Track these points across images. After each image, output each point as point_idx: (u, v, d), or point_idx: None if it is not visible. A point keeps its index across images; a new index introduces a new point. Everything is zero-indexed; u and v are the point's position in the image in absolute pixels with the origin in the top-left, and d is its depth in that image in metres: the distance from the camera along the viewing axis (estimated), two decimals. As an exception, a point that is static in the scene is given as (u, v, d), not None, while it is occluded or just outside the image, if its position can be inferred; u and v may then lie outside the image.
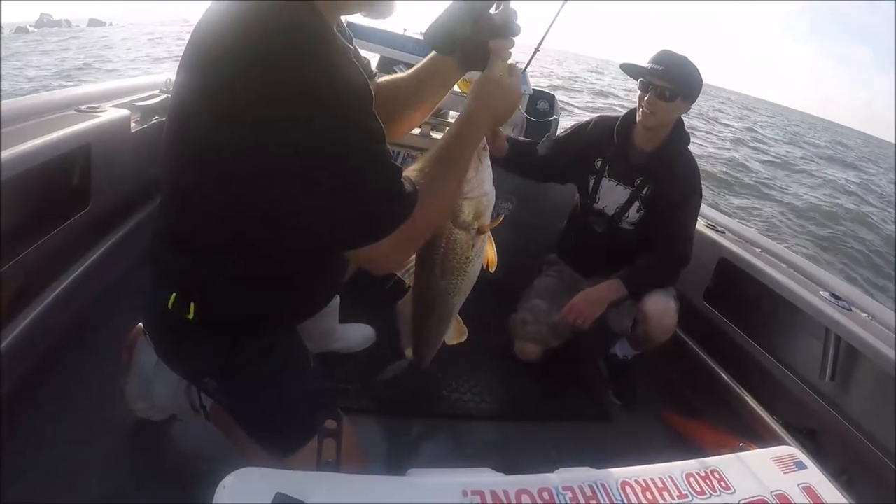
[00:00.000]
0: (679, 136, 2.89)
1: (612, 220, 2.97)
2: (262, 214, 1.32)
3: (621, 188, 2.94)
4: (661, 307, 2.79)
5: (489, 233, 1.70)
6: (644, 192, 2.90)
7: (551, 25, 2.71)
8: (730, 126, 36.83)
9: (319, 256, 1.52)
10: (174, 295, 1.48)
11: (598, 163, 3.00)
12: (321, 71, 1.17)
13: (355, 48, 1.50)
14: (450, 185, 1.48)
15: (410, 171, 1.40)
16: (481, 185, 1.59)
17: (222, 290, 1.48)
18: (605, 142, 3.00)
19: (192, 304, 1.46)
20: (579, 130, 3.13)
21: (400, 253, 1.42)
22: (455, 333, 1.99)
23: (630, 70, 2.82)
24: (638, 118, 2.82)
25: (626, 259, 3.00)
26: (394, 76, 1.83)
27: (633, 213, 2.95)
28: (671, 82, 2.67)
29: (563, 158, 3.07)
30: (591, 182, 3.03)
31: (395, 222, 1.29)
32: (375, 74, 1.80)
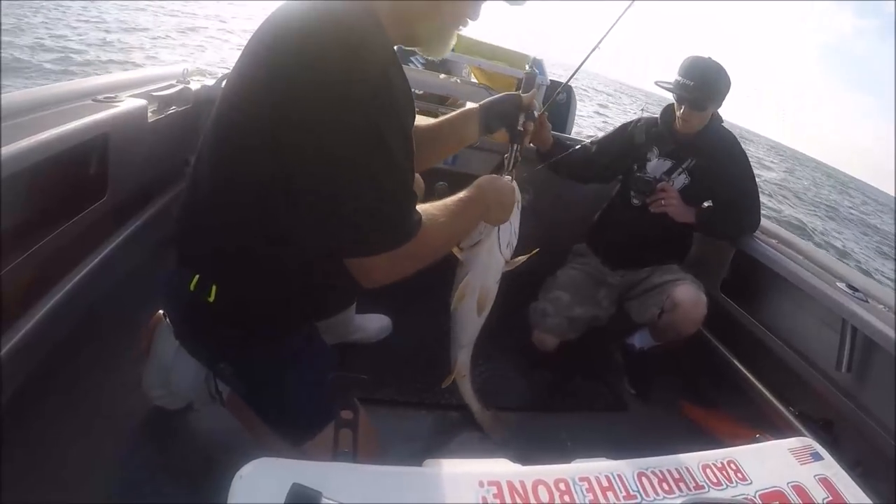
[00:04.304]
0: (713, 116, 3.02)
1: (655, 182, 3.02)
2: (288, 209, 1.37)
3: (668, 162, 3.05)
4: (692, 297, 2.80)
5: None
6: (690, 162, 3.01)
7: (611, 27, 2.84)
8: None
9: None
10: (197, 277, 1.50)
11: (644, 150, 3.12)
12: (376, 91, 1.25)
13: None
14: (452, 230, 1.63)
15: (430, 206, 1.53)
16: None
17: (245, 276, 1.50)
18: (648, 134, 3.13)
19: (213, 287, 1.48)
20: (623, 131, 3.25)
21: (390, 272, 1.46)
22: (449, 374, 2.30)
23: (663, 86, 2.96)
24: (677, 125, 2.98)
25: (655, 248, 3.09)
26: (417, 125, 1.97)
27: (679, 181, 3.03)
28: (702, 93, 2.82)
29: (607, 159, 3.20)
30: (636, 165, 3.12)
31: (396, 242, 1.38)
32: None
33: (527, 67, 2.06)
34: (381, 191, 1.32)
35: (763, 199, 3.21)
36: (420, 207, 1.46)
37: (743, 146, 3.04)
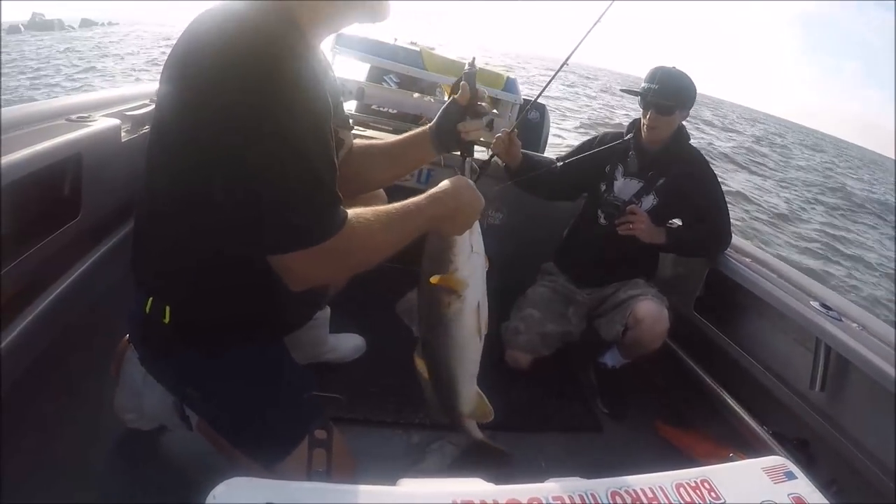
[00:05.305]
0: (680, 132, 3.05)
1: (624, 205, 3.02)
2: (215, 220, 1.35)
3: (635, 182, 3.06)
4: (654, 312, 2.82)
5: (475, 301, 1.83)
6: (658, 182, 3.02)
7: (583, 39, 2.87)
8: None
9: None
10: (150, 299, 1.49)
11: (609, 168, 3.12)
12: (284, 92, 1.23)
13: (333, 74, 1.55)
14: (386, 237, 1.51)
15: (366, 210, 1.46)
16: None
17: (195, 295, 1.50)
18: (614, 150, 3.13)
19: (167, 308, 1.48)
20: (586, 147, 3.24)
21: (309, 271, 1.41)
22: (478, 410, 2.14)
23: (630, 92, 3.05)
24: (643, 134, 3.00)
25: (621, 266, 3.11)
26: (373, 143, 2.05)
27: (648, 202, 3.04)
28: (668, 98, 2.85)
29: (573, 177, 3.20)
30: (604, 185, 3.14)
31: (307, 240, 1.33)
32: (351, 127, 2.08)
33: (466, 66, 1.95)
34: (292, 190, 1.28)
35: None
36: (356, 210, 1.42)
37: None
